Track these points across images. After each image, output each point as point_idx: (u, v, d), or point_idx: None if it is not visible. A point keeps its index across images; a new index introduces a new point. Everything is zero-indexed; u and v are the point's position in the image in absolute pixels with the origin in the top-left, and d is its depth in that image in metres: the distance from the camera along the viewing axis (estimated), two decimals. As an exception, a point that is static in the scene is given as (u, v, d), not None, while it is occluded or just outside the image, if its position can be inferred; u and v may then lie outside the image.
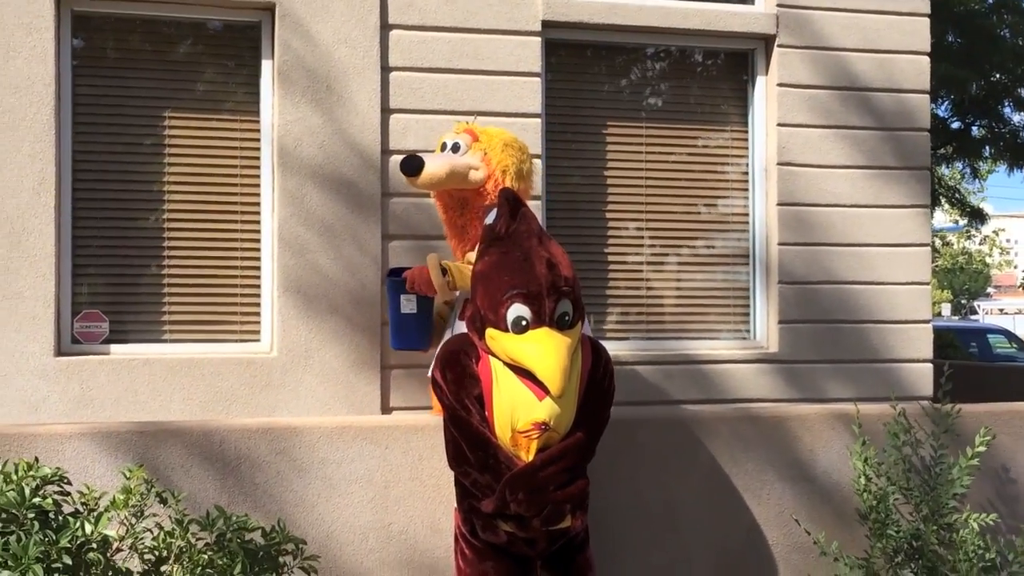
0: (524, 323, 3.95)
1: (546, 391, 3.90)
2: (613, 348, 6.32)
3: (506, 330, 3.98)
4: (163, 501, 3.85)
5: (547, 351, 3.91)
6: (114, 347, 5.84)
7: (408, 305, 5.19)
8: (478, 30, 6.22)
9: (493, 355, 4.05)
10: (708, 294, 6.75)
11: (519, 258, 4.03)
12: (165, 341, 5.95)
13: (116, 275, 5.94)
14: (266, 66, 6.06)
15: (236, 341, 6.01)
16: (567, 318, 4.03)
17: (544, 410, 3.93)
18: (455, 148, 4.97)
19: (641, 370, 6.35)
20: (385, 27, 6.09)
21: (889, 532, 4.65)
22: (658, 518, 4.92)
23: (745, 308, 6.79)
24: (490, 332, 4.03)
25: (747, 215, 6.80)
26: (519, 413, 3.96)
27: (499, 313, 3.99)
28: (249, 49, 6.12)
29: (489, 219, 4.24)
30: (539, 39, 6.33)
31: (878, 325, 6.71)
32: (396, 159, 5.99)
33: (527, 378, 3.95)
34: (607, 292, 6.59)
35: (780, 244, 6.60)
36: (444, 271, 4.88)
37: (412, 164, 4.89)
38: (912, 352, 6.73)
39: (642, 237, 6.67)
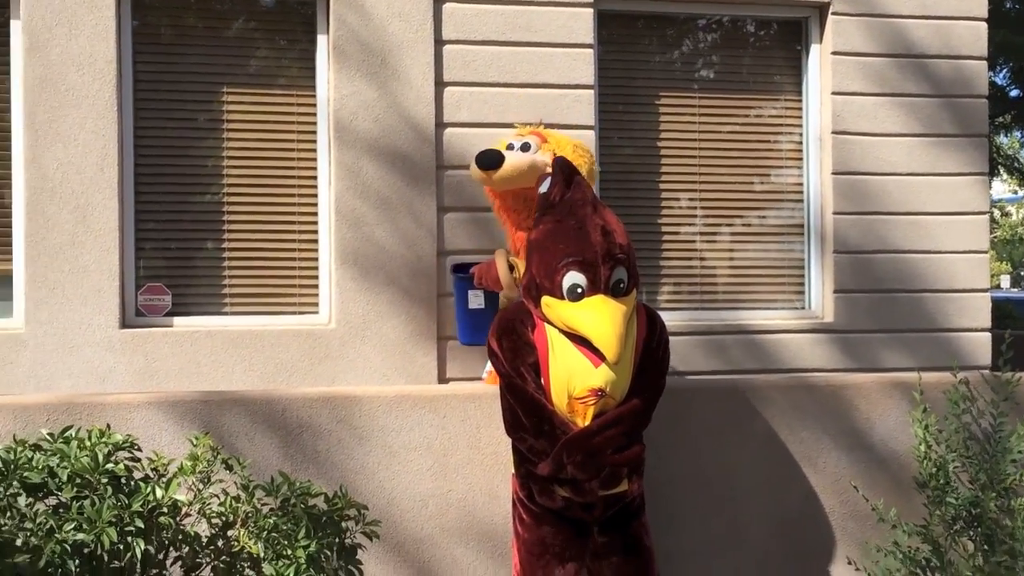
0: (580, 290, 4.00)
1: (602, 358, 3.94)
2: (667, 319, 6.33)
3: (562, 298, 4.03)
4: (229, 468, 3.93)
5: (603, 318, 3.95)
6: (177, 319, 5.95)
7: (476, 300, 5.27)
8: (531, 2, 6.24)
9: (549, 322, 4.09)
10: (762, 264, 6.74)
11: (574, 226, 4.07)
12: (226, 313, 6.05)
13: (178, 249, 6.04)
14: (321, 41, 6.12)
15: (295, 313, 6.10)
16: (622, 285, 4.07)
17: (600, 376, 3.97)
18: (525, 147, 4.96)
19: (695, 340, 6.36)
20: (439, 0, 6.13)
21: (948, 500, 4.64)
22: (715, 486, 4.96)
23: (800, 278, 6.77)
24: (546, 300, 4.08)
25: (802, 185, 6.77)
26: (575, 380, 4.00)
27: (555, 281, 4.04)
28: (304, 25, 6.19)
29: (543, 187, 4.28)
30: (591, 10, 6.32)
31: (935, 294, 6.66)
32: (450, 132, 6.05)
33: (583, 345, 3.99)
34: (661, 263, 6.60)
35: (835, 214, 6.57)
36: (511, 267, 4.92)
37: (492, 158, 4.89)
38: (970, 321, 6.68)
39: (695, 208, 6.67)
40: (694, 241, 6.67)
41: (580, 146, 5.05)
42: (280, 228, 6.12)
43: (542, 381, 4.08)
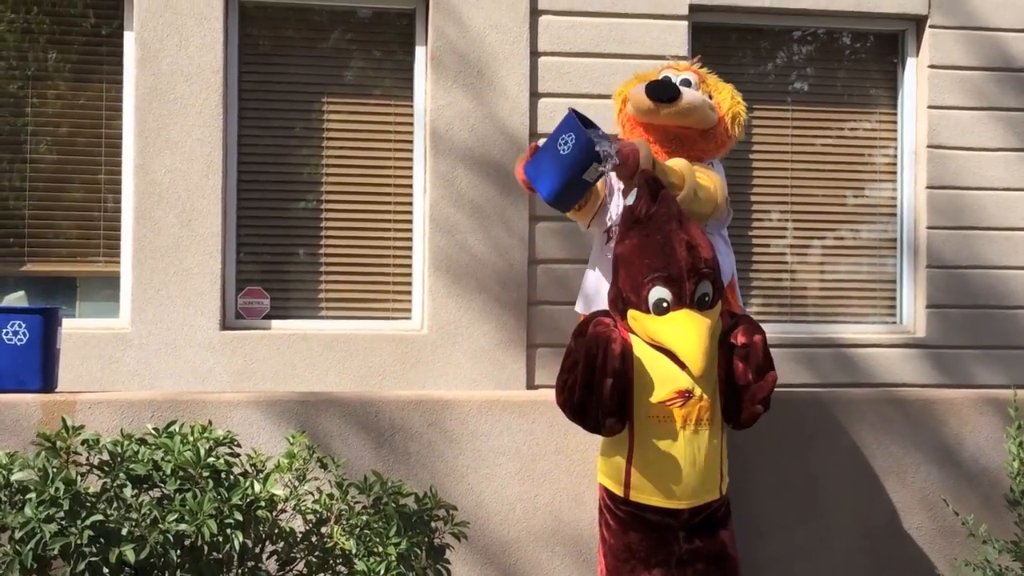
0: (665, 305, 4.07)
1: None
2: (757, 330, 6.35)
3: (648, 312, 4.10)
4: (323, 466, 4.04)
5: (688, 332, 4.02)
6: (274, 322, 6.12)
7: (566, 146, 4.30)
8: (625, 14, 6.30)
9: (634, 334, 4.17)
10: (854, 278, 6.71)
11: (659, 241, 4.12)
12: (322, 318, 6.21)
13: (277, 254, 6.22)
14: (419, 52, 6.26)
15: (388, 319, 6.23)
16: (707, 299, 4.12)
17: (686, 379, 4.05)
18: (685, 83, 4.69)
19: (785, 353, 6.36)
20: (535, 12, 6.23)
21: (1038, 520, 4.60)
22: (801, 497, 4.96)
23: (892, 292, 6.72)
24: (632, 313, 4.15)
25: (895, 199, 6.73)
26: (661, 385, 4.09)
27: (641, 295, 4.11)
28: (403, 36, 6.33)
29: (629, 200, 4.28)
30: (686, 23, 6.37)
31: (1030, 311, 6.58)
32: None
33: (668, 356, 4.07)
34: (751, 276, 6.61)
35: (929, 228, 6.52)
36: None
37: (670, 90, 4.52)
38: (1064, 338, 6.59)
39: (787, 221, 6.67)
40: (785, 253, 6.67)
41: (736, 93, 4.80)
42: (376, 235, 6.27)
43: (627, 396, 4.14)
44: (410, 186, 6.27)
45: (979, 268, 6.54)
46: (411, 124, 6.27)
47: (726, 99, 4.74)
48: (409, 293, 6.26)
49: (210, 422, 3.86)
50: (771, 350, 6.12)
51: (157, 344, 5.87)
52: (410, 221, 6.26)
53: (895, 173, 6.73)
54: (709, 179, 4.60)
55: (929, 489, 5.03)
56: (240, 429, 4.54)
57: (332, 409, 4.70)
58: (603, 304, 4.53)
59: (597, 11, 6.28)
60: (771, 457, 4.94)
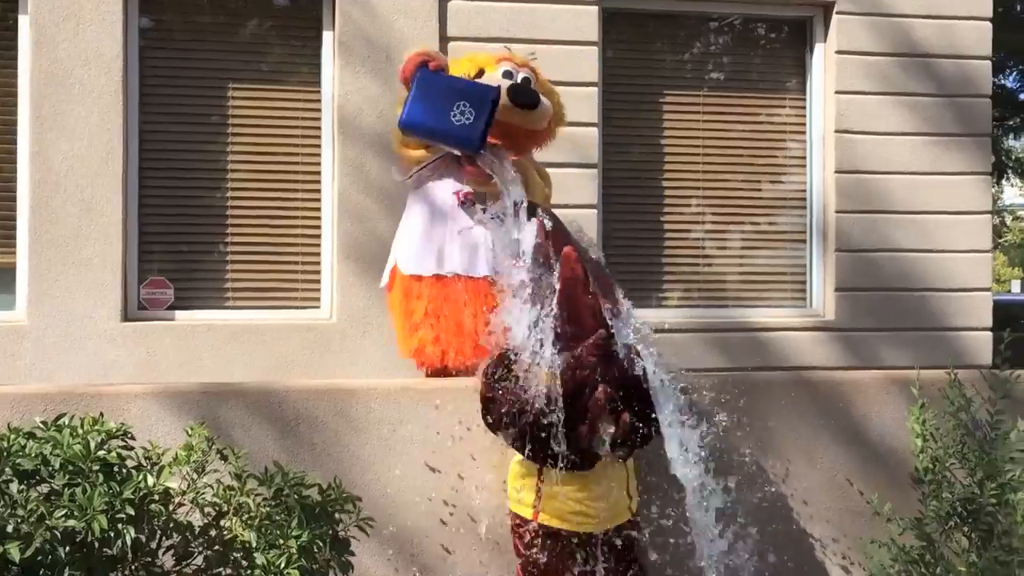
0: None
1: None
2: (670, 316, 6.37)
3: None
4: (224, 458, 3.94)
5: None
6: (179, 313, 5.99)
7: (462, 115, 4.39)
8: (535, 0, 6.25)
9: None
10: (765, 262, 6.75)
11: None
12: (228, 307, 6.09)
13: (181, 243, 6.09)
14: (327, 38, 6.16)
15: (297, 308, 6.13)
16: None
17: None
18: (527, 81, 4.75)
19: (699, 337, 6.37)
20: (443, -3, 6.17)
21: (944, 495, 4.63)
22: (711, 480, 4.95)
23: (802, 276, 6.78)
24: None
25: (805, 183, 6.78)
26: None
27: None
28: (310, 21, 6.22)
29: (530, 238, 4.25)
30: (596, 8, 6.35)
31: (937, 293, 6.67)
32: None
33: None
34: (664, 261, 6.61)
35: (838, 212, 6.58)
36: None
37: (532, 97, 4.63)
38: (971, 320, 6.67)
39: (699, 206, 6.68)
40: (698, 238, 6.68)
41: (558, 93, 4.94)
42: (283, 223, 6.16)
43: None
44: (318, 173, 6.17)
45: (887, 251, 6.61)
46: (319, 111, 6.17)
47: (556, 101, 4.86)
48: (318, 282, 6.17)
49: (101, 415, 3.74)
50: (686, 335, 6.19)
51: (55, 337, 5.70)
52: (319, 209, 6.16)
53: (805, 159, 6.77)
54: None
55: (837, 470, 5.04)
56: (139, 422, 4.41)
57: (234, 400, 4.58)
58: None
59: (506, -4, 6.24)
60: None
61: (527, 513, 4.22)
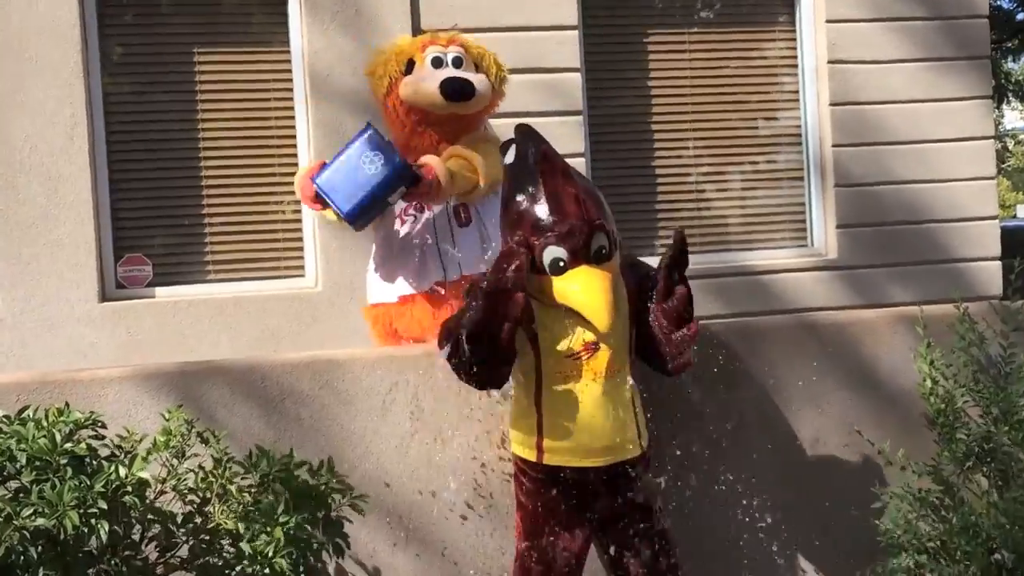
0: (562, 264, 3.81)
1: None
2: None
3: (544, 273, 3.85)
4: (204, 441, 3.78)
5: (590, 288, 3.78)
6: (159, 290, 5.80)
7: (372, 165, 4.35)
8: (508, -61, 6.02)
9: (533, 298, 3.92)
10: (762, 202, 6.55)
11: (547, 198, 3.87)
12: (210, 281, 5.90)
13: (157, 217, 5.89)
14: (293, -8, 5.93)
15: (281, 278, 5.93)
16: (604, 251, 3.88)
17: (591, 333, 3.82)
18: (457, 63, 4.68)
19: (696, 284, 6.08)
20: (411, -58, 5.93)
21: (958, 436, 4.45)
22: (718, 433, 4.77)
23: (801, 215, 6.58)
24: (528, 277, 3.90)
25: (799, 119, 6.57)
26: (565, 341, 3.86)
27: (535, 257, 3.84)
28: (276, -24, 5.98)
29: (508, 158, 4.06)
30: (572, -54, 6.10)
31: (942, 224, 6.49)
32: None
33: (573, 314, 3.85)
34: (657, 207, 6.40)
35: (835, 146, 6.37)
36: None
37: (468, 89, 4.55)
38: (979, 251, 6.49)
39: (691, 148, 6.46)
40: (691, 181, 6.47)
41: (491, 51, 4.83)
42: (261, 190, 5.95)
43: (530, 349, 3.93)
44: (293, 136, 5.95)
45: (888, 184, 6.43)
46: (289, 71, 5.95)
47: (491, 65, 4.74)
48: (301, 250, 5.97)
49: (67, 404, 3.56)
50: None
51: (32, 322, 5.52)
52: (296, 173, 5.91)
53: (797, 92, 6.56)
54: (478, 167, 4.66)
55: (847, 415, 4.85)
56: (116, 407, 4.24)
57: (215, 378, 4.39)
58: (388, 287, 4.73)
59: (478, -61, 5.99)
60: (684, 392, 4.74)
61: (531, 455, 3.99)
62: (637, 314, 4.00)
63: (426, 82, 4.56)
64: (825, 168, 6.40)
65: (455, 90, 4.53)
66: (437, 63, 4.63)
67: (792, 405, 4.82)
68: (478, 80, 4.62)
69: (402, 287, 4.76)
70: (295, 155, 5.92)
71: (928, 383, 4.53)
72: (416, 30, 5.88)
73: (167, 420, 3.72)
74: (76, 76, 5.55)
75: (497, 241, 4.63)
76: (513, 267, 3.82)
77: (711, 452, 4.75)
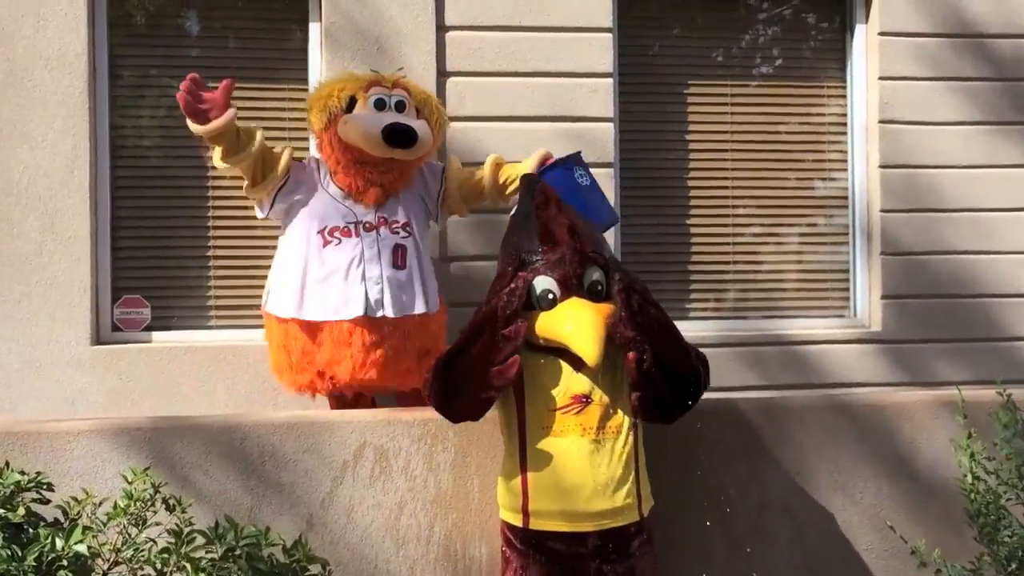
0: (551, 296, 3.61)
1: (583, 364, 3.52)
2: (698, 329, 5.85)
3: (535, 309, 3.63)
4: (170, 508, 3.47)
5: (579, 319, 3.51)
6: (156, 334, 5.51)
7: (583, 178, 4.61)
8: (542, -18, 5.73)
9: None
10: (803, 268, 6.16)
11: (538, 228, 3.69)
12: (210, 327, 5.61)
13: (158, 258, 5.61)
14: (313, 29, 5.66)
15: (284, 326, 5.62)
16: (600, 288, 3.63)
17: (583, 381, 3.56)
18: (400, 107, 4.69)
19: (729, 352, 5.80)
20: (440, -18, 5.66)
21: (1002, 538, 4.03)
22: (738, 519, 4.38)
23: (845, 283, 6.18)
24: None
25: (846, 180, 6.19)
26: (555, 391, 3.59)
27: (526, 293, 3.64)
28: (295, 11, 5.72)
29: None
30: (610, -10, 5.81)
31: (995, 299, 6.07)
32: (455, 127, 5.53)
33: (561, 356, 3.60)
34: (690, 268, 6.04)
35: (883, 211, 5.98)
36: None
37: (410, 135, 4.55)
38: (1035, 329, 6.06)
39: (728, 207, 6.11)
40: (727, 243, 6.10)
41: (434, 97, 4.96)
42: (268, 233, 5.61)
43: (515, 407, 3.67)
44: (307, 178, 5.65)
45: (939, 254, 6.03)
46: (306, 108, 5.63)
47: (433, 112, 4.81)
48: (307, 297, 5.65)
49: (7, 464, 3.26)
50: (716, 349, 5.63)
51: (19, 363, 5.25)
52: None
53: (845, 152, 6.20)
54: None
55: (881, 505, 4.47)
56: (82, 464, 3.96)
57: (191, 436, 4.09)
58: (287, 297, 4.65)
59: (510, -21, 5.71)
60: (701, 473, 4.36)
61: (516, 519, 3.70)
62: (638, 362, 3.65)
63: (368, 123, 4.54)
64: (872, 234, 6.02)
65: (397, 136, 4.51)
66: (380, 105, 4.64)
67: (820, 492, 4.46)
68: (420, 127, 4.62)
69: (316, 311, 4.64)
70: (308, 198, 5.63)
71: (969, 478, 4.13)
72: (442, 72, 5.61)
73: (129, 483, 3.44)
74: (81, 107, 5.30)
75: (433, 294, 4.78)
76: (508, 291, 3.60)
77: (728, 538, 4.39)
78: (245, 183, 4.71)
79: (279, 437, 4.13)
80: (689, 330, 5.80)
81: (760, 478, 4.40)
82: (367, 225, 4.65)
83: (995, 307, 6.04)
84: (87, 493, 3.39)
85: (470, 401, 3.67)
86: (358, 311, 4.58)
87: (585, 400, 3.56)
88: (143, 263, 5.57)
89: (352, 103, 4.63)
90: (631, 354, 3.54)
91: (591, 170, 4.64)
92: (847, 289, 6.16)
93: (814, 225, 6.17)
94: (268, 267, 5.52)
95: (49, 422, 4.24)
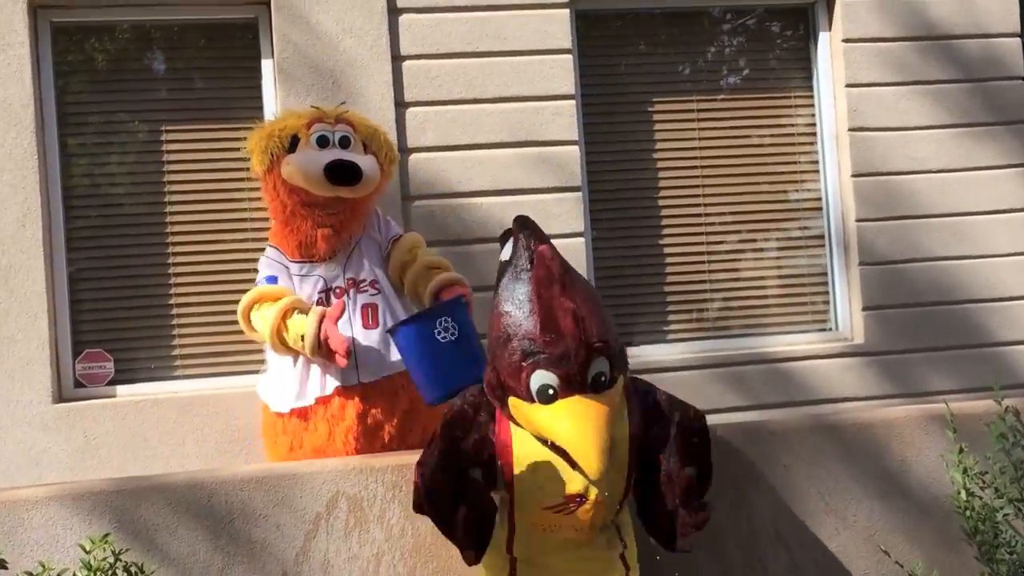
0: (551, 392, 3.23)
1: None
2: (677, 351, 5.73)
3: (530, 400, 3.26)
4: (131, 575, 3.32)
5: (582, 426, 3.16)
6: (120, 388, 5.34)
7: (447, 333, 4.21)
8: (498, 6, 5.62)
9: (517, 424, 3.39)
10: (780, 283, 6.05)
11: (538, 312, 3.29)
12: (176, 377, 5.44)
13: (119, 308, 5.45)
14: (266, 65, 5.53)
15: (253, 372, 5.44)
16: (603, 379, 3.28)
17: (579, 480, 3.28)
18: (345, 143, 4.52)
19: (710, 374, 5.67)
20: (393, 11, 5.52)
21: (1000, 555, 3.91)
22: (728, 550, 4.24)
23: (824, 296, 6.07)
24: (512, 402, 3.33)
25: (819, 191, 6.09)
26: (549, 487, 3.33)
27: (520, 381, 3.27)
28: (247, 48, 5.59)
29: (504, 254, 3.55)
30: (568, 11, 5.70)
31: (978, 305, 5.97)
32: (416, 158, 5.42)
33: (558, 450, 3.29)
34: (665, 289, 5.92)
35: (858, 220, 5.89)
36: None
37: (354, 171, 4.38)
38: (1019, 333, 5.97)
39: (701, 224, 5.99)
40: (702, 262, 5.98)
41: (382, 130, 4.75)
42: (234, 277, 5.49)
43: (504, 493, 3.43)
44: (267, 218, 5.49)
45: (917, 261, 5.94)
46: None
47: (382, 146, 4.66)
48: (276, 341, 5.49)
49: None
50: (695, 372, 5.50)
51: (-22, 426, 5.08)
52: (271, 258, 5.49)
53: (817, 162, 6.09)
54: None
55: (875, 528, 4.33)
56: (41, 533, 3.78)
57: (155, 497, 3.92)
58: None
59: (465, 5, 5.58)
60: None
61: None
62: (640, 452, 3.45)
63: (309, 162, 4.38)
64: (849, 244, 5.91)
65: (340, 173, 4.34)
66: (323, 142, 4.46)
67: (812, 517, 4.32)
68: (365, 162, 4.46)
69: (315, 389, 4.49)
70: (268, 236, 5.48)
71: (963, 495, 4.01)
72: (399, 103, 5.47)
73: (87, 552, 3.28)
74: (29, 159, 5.15)
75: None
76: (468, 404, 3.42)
77: (719, 570, 4.23)
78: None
79: (247, 492, 3.96)
80: (668, 353, 5.75)
81: (749, 506, 4.26)
82: (338, 291, 4.49)
83: (977, 312, 5.94)
84: (43, 566, 3.23)
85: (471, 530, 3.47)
86: (350, 380, 4.44)
87: (580, 500, 3.32)
88: (103, 315, 5.41)
89: (295, 142, 4.47)
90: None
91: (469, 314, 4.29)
92: (827, 303, 6.05)
93: (789, 239, 6.06)
94: (233, 311, 5.39)
95: (6, 489, 4.07)
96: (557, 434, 3.21)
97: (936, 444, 4.36)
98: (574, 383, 3.22)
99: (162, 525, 3.91)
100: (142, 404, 5.23)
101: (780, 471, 4.29)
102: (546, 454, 3.30)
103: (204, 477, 4.00)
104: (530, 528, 3.40)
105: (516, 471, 3.34)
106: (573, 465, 3.25)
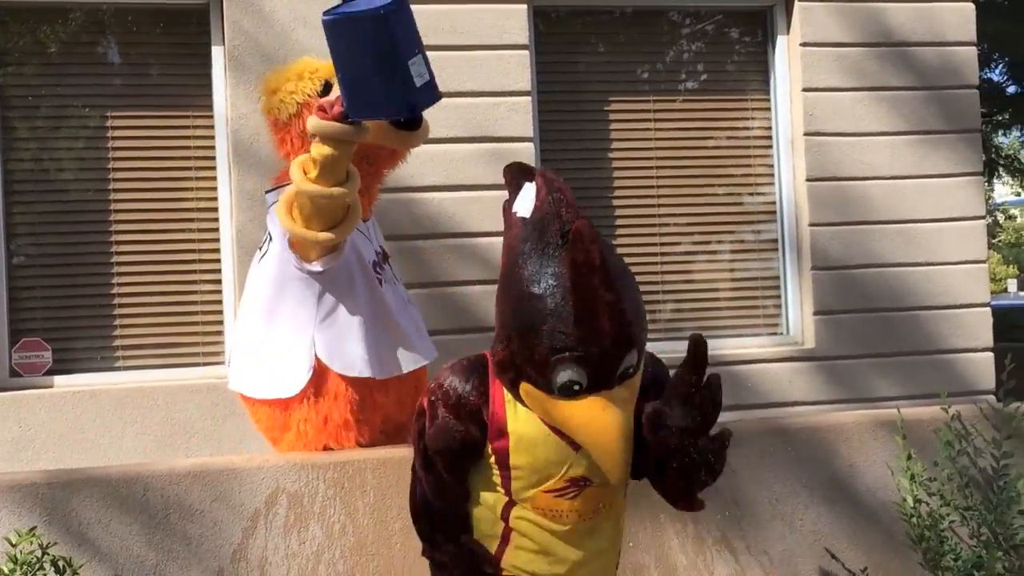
0: (576, 388, 2.92)
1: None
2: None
3: (550, 392, 2.96)
4: (60, 571, 3.22)
5: (605, 428, 2.91)
6: (57, 378, 5.23)
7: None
8: (457, 1, 5.54)
9: (521, 403, 3.11)
10: (733, 286, 6.04)
11: (576, 304, 2.89)
12: (116, 369, 5.34)
13: (59, 297, 5.35)
14: (217, 53, 5.43)
15: (196, 365, 5.37)
16: (631, 371, 2.98)
17: (581, 463, 3.07)
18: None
19: (660, 375, 5.62)
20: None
21: (945, 563, 3.89)
22: (673, 554, 4.19)
23: (776, 300, 6.08)
24: (526, 388, 3.03)
25: (773, 195, 6.09)
26: (551, 469, 3.10)
27: (544, 374, 2.94)
28: (198, 35, 5.49)
29: (521, 206, 3.01)
30: (525, 7, 5.66)
31: (929, 311, 6.00)
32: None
33: (559, 433, 3.07)
34: (618, 290, 5.87)
35: (812, 225, 5.89)
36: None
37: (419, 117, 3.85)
38: (969, 340, 5.98)
39: (655, 225, 5.96)
40: (655, 263, 5.95)
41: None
42: (178, 267, 5.41)
43: (497, 472, 3.19)
44: (215, 208, 5.42)
45: (869, 267, 5.97)
46: (212, 137, 5.43)
47: None
48: (221, 334, 5.42)
49: None
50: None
51: (-91, 416, 4.94)
52: (217, 249, 5.40)
53: (772, 166, 6.08)
54: None
55: (822, 532, 4.30)
56: (-32, 524, 3.67)
57: (88, 490, 3.81)
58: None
59: (423, -2, 5.51)
60: (633, 506, 4.17)
61: (491, 547, 3.24)
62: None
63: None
64: (801, 248, 5.90)
65: (411, 112, 3.71)
66: (328, 88, 3.94)
67: (759, 522, 4.27)
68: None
69: (391, 366, 4.07)
70: (216, 227, 5.41)
71: (909, 501, 3.99)
72: (352, 95, 5.39)
73: (13, 546, 3.19)
74: (-32, 143, 5.03)
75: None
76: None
77: (663, 573, 4.18)
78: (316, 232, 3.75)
79: (184, 487, 3.86)
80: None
81: (692, 513, 4.22)
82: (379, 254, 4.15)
83: (928, 319, 5.95)
84: (-36, 560, 3.14)
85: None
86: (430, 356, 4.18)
87: (583, 483, 3.10)
88: (42, 303, 5.30)
89: (328, 88, 3.94)
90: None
91: None
92: (779, 306, 6.05)
93: (742, 242, 6.05)
94: (179, 302, 5.30)
95: (-68, 481, 3.95)
96: (576, 431, 2.98)
97: (885, 450, 4.34)
98: (603, 381, 2.94)
99: (95, 519, 3.80)
100: (80, 395, 5.12)
101: (728, 475, 4.22)
102: (548, 436, 3.07)
103: (139, 470, 3.90)
104: (526, 514, 3.22)
105: (513, 439, 3.10)
106: (576, 447, 3.05)
